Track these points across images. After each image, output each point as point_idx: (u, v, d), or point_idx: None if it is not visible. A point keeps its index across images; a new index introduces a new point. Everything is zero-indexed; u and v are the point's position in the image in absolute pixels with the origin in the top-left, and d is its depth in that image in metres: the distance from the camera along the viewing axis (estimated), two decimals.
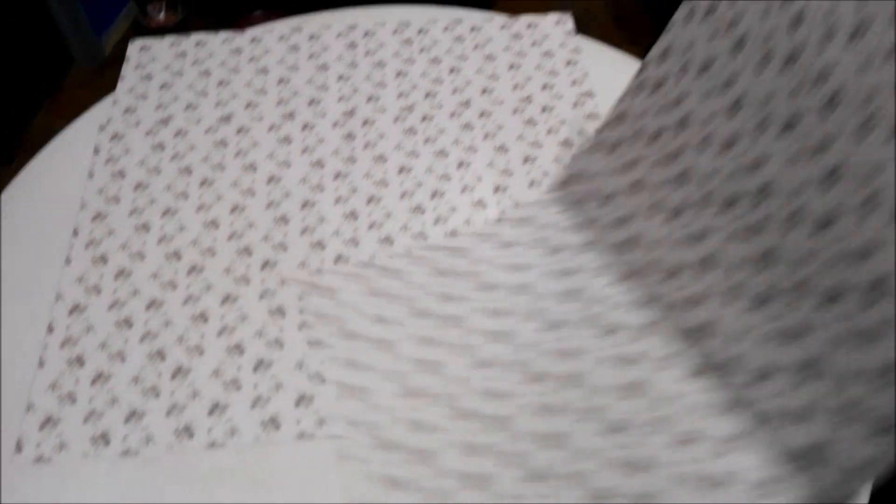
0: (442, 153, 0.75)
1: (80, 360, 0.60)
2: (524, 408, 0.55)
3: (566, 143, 0.75)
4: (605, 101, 0.79)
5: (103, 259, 0.67)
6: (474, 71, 0.83)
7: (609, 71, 0.82)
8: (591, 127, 0.76)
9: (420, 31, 0.87)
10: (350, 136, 0.77)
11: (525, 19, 0.88)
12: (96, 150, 0.76)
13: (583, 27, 2.04)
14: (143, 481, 0.54)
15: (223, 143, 0.76)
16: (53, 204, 0.72)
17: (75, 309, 0.63)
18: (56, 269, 0.67)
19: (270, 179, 0.73)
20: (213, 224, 0.69)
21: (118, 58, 2.10)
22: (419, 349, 0.59)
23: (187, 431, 0.56)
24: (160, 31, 2.13)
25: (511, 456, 0.53)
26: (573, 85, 0.81)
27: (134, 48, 0.87)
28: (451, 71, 0.83)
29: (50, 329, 0.62)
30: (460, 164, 0.74)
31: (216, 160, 0.75)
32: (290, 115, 0.79)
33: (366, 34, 0.87)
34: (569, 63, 0.83)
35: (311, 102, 0.80)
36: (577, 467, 0.52)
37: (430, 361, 0.59)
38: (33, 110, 1.93)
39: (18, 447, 0.56)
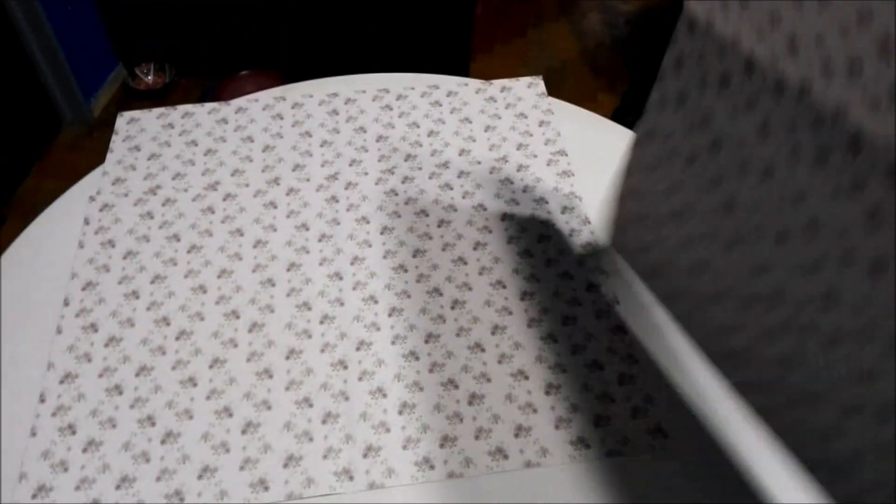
0: (423, 213, 0.78)
1: (71, 428, 0.62)
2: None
3: (541, 201, 0.78)
4: (577, 159, 0.82)
5: (94, 327, 0.69)
6: (452, 133, 0.86)
7: (580, 130, 0.86)
8: (565, 184, 0.80)
9: (399, 97, 0.91)
10: (334, 199, 0.80)
11: (498, 83, 0.92)
12: (86, 221, 0.78)
13: (560, 77, 2.11)
14: None
15: (210, 210, 0.79)
16: (44, 275, 0.74)
17: (67, 377, 0.65)
18: (48, 338, 0.68)
19: (257, 243, 0.76)
20: (201, 289, 0.72)
21: (107, 119, 2.14)
22: (694, 279, 0.57)
23: (178, 495, 0.57)
24: (149, 93, 2.18)
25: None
26: (546, 144, 0.84)
27: (122, 120, 0.90)
28: (430, 134, 0.86)
29: (42, 398, 0.64)
30: (441, 223, 0.77)
31: (204, 227, 0.77)
32: (276, 181, 0.82)
33: (347, 101, 0.91)
34: (542, 123, 0.87)
35: (296, 168, 0.83)
36: None
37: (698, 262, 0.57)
38: (24, 171, 1.96)
39: None
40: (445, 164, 0.83)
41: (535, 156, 0.83)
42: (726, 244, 0.54)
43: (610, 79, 2.10)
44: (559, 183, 0.80)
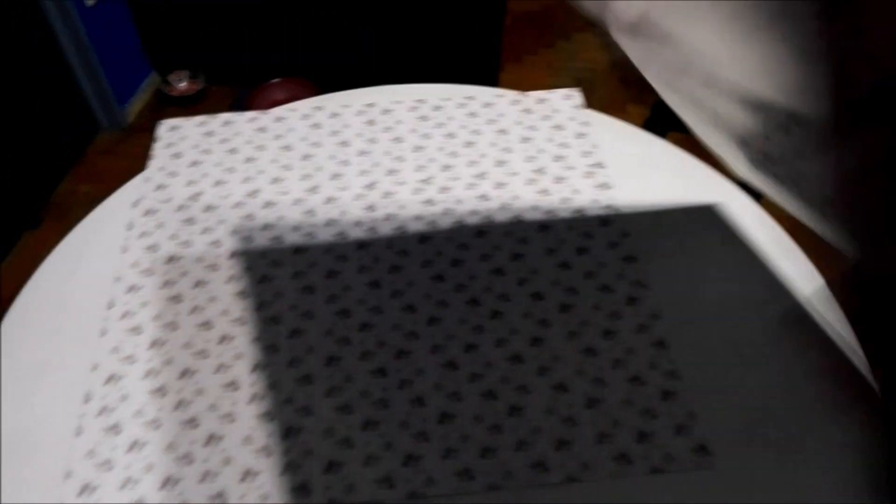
0: (460, 223, 0.78)
1: (116, 429, 0.63)
2: None
3: (579, 212, 0.79)
4: (615, 171, 0.83)
5: (137, 330, 0.70)
6: (488, 144, 0.87)
7: (617, 141, 0.86)
8: (604, 196, 0.80)
9: (435, 108, 0.92)
10: (371, 208, 0.81)
11: (534, 95, 0.93)
12: (130, 226, 0.80)
13: (589, 88, 2.12)
14: None
15: (251, 217, 0.80)
16: (88, 278, 0.76)
17: (111, 379, 0.66)
18: (91, 340, 0.70)
19: (296, 251, 0.77)
20: (243, 294, 0.73)
21: (141, 125, 2.18)
22: None
23: (220, 497, 0.58)
24: (182, 99, 2.22)
25: None
26: (584, 156, 0.85)
27: (164, 128, 0.92)
28: (466, 145, 0.87)
29: (87, 398, 0.65)
30: (478, 234, 0.77)
31: (244, 234, 0.78)
32: (314, 189, 0.83)
33: (384, 112, 0.92)
34: (579, 135, 0.87)
35: (334, 177, 0.84)
36: None
37: None
38: (59, 175, 1.99)
39: None
40: (482, 175, 0.83)
41: (573, 168, 0.84)
42: None
43: (639, 90, 2.10)
44: (597, 195, 0.80)
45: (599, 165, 0.84)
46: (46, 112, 1.93)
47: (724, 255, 0.75)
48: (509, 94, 0.93)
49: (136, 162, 0.86)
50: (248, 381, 0.66)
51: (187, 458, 0.61)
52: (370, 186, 0.83)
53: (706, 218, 0.78)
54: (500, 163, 0.85)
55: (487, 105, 0.92)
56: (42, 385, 0.67)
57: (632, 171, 0.83)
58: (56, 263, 0.78)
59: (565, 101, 0.92)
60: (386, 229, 0.78)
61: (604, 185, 0.81)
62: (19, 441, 0.63)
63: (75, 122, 2.07)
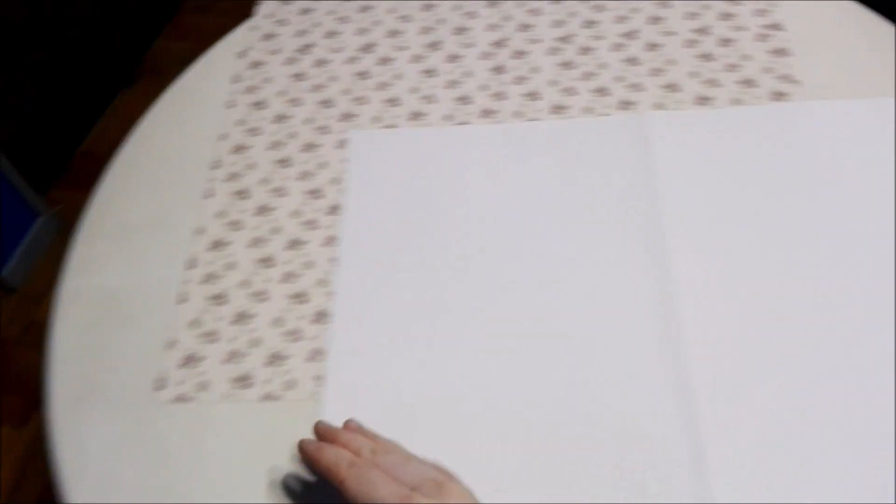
0: (602, 91, 0.67)
1: (221, 298, 0.58)
2: None
3: (748, 83, 0.65)
4: (798, 36, 0.68)
5: (243, 194, 0.64)
6: None
7: (802, 4, 0.71)
8: (780, 65, 0.66)
9: None
10: (499, 70, 0.70)
11: None
12: (236, 79, 0.73)
13: None
14: (283, 426, 0.52)
15: (365, 75, 0.71)
16: (192, 133, 0.70)
17: (217, 244, 0.62)
18: (196, 201, 0.65)
19: (415, 116, 0.68)
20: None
21: None
22: None
23: (320, 379, 0.53)
24: None
25: None
26: (758, 15, 0.70)
27: None
28: None
29: (191, 264, 0.61)
30: (623, 104, 0.66)
31: (358, 93, 0.70)
32: (435, 45, 0.73)
33: None
34: None
35: (458, 31, 0.74)
36: None
37: None
38: (153, 33, 1.95)
39: (160, 385, 0.55)
40: (631, 35, 0.71)
41: (744, 28, 0.69)
42: None
43: None
44: (772, 63, 0.67)
45: (777, 27, 0.69)
46: None
47: None
48: None
49: (230, 19, 0.78)
50: None
51: (294, 335, 0.56)
52: (498, 44, 0.72)
53: None
54: (654, 19, 0.71)
55: None
56: (145, 245, 0.63)
57: (819, 38, 0.68)
58: (158, 117, 0.73)
59: None
60: (514, 94, 0.68)
61: (781, 51, 0.67)
62: (121, 304, 0.59)
63: None
